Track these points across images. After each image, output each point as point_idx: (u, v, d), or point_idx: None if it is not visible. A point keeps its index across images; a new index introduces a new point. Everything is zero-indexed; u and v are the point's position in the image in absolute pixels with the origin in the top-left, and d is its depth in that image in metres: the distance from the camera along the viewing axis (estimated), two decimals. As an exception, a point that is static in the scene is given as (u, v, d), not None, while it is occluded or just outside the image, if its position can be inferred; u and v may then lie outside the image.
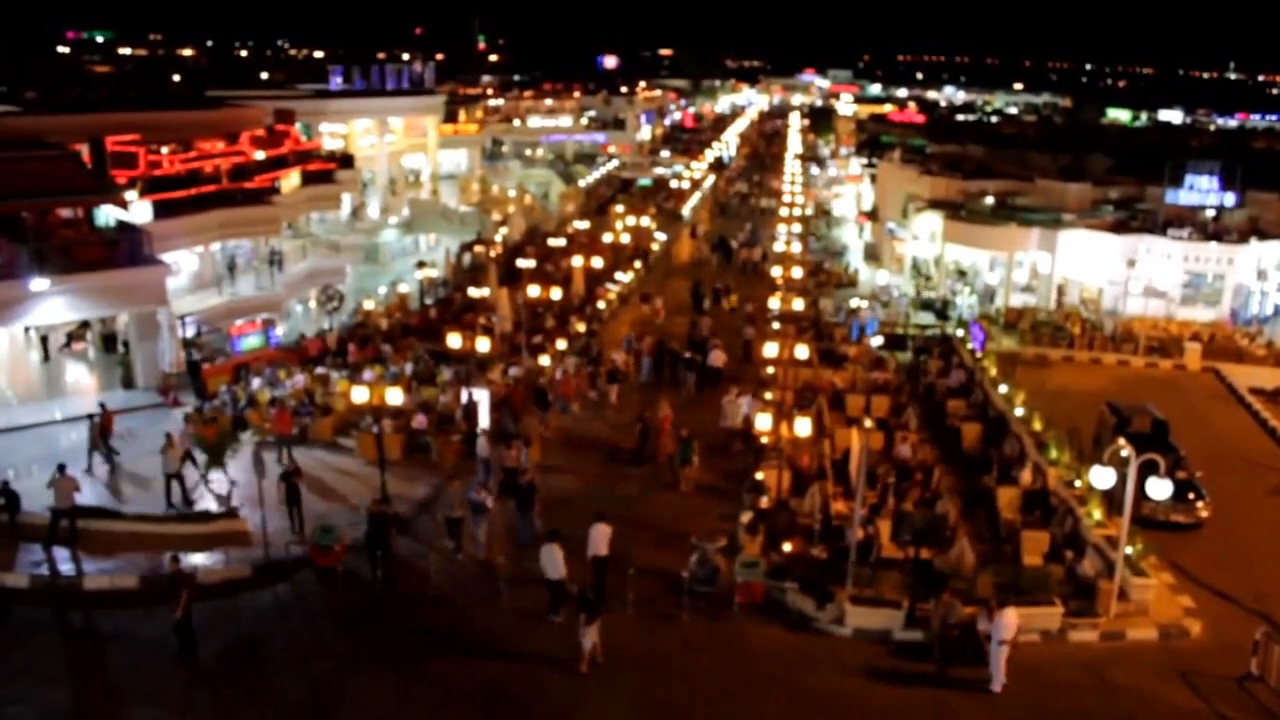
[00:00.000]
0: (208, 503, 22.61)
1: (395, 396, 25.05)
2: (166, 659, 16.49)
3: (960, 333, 35.39)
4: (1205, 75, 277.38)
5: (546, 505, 21.31)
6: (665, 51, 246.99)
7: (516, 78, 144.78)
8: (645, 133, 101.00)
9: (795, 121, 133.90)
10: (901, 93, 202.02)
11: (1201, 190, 41.13)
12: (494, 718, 15.57)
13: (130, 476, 23.63)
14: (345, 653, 17.09)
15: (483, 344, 29.24)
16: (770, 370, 29.08)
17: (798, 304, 35.01)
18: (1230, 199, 41.27)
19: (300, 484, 21.16)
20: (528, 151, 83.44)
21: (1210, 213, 41.53)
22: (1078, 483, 22.15)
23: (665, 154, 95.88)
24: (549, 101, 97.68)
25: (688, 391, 30.61)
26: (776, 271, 40.11)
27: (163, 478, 22.19)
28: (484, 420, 25.80)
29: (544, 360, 30.74)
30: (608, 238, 48.06)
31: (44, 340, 31.82)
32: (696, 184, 73.26)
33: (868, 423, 23.26)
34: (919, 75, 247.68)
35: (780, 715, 15.80)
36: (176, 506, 22.00)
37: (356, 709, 15.59)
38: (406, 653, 17.05)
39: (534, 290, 33.44)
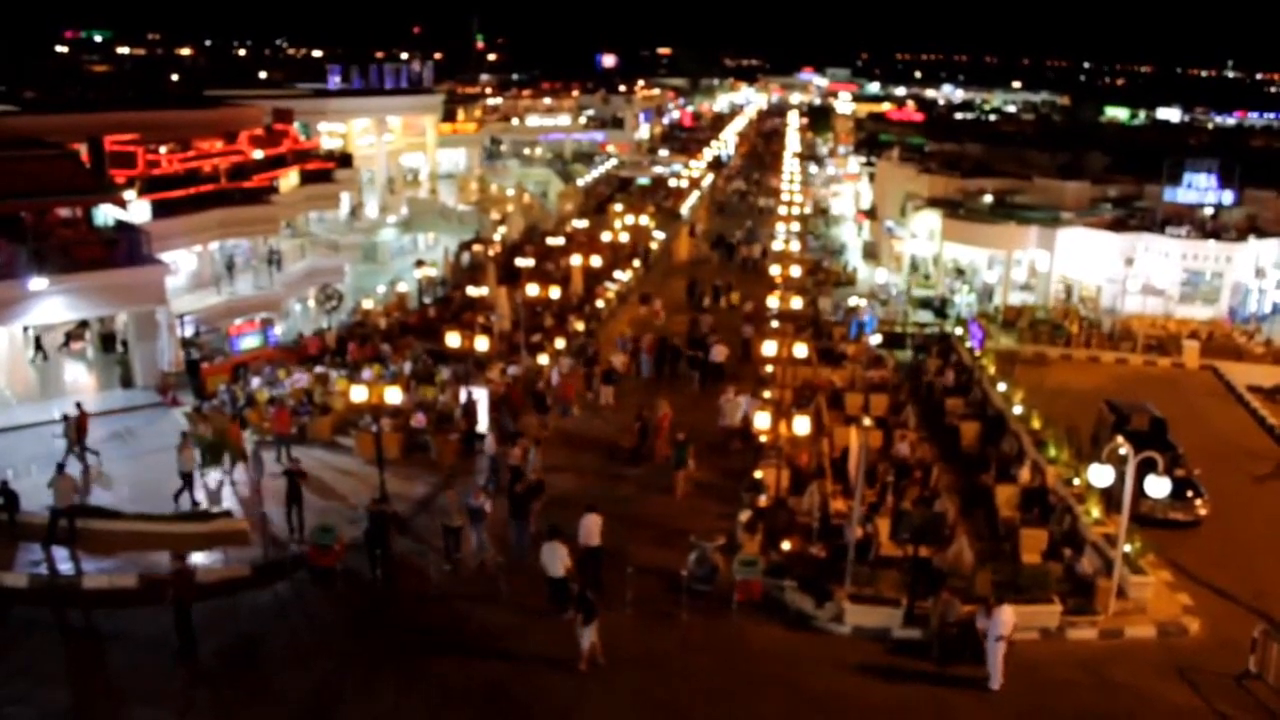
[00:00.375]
0: (228, 502, 22.53)
1: (394, 395, 25.01)
2: (166, 659, 16.50)
3: (959, 331, 35.42)
4: (1203, 73, 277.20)
5: (545, 504, 21.30)
6: (664, 50, 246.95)
7: (515, 77, 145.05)
8: (644, 131, 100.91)
9: (794, 120, 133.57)
10: (900, 91, 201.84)
11: (1199, 188, 41.18)
12: (494, 717, 15.59)
13: (122, 477, 23.47)
14: (345, 652, 17.10)
15: (481, 343, 29.27)
16: (769, 369, 29.09)
17: (796, 303, 34.98)
18: (1228, 197, 41.34)
19: (303, 483, 21.12)
20: (526, 150, 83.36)
21: (1208, 211, 41.60)
22: (1076, 481, 22.17)
23: (664, 153, 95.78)
24: (547, 100, 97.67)
25: (692, 389, 30.63)
26: (775, 270, 40.12)
27: (178, 476, 22.02)
28: (483, 419, 25.81)
29: (542, 359, 30.76)
30: (606, 236, 48.12)
31: (38, 340, 31.73)
32: (695, 183, 73.23)
33: (866, 421, 23.20)
34: (917, 74, 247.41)
35: (779, 714, 15.82)
36: (179, 505, 21.95)
37: (356, 708, 15.60)
38: (406, 652, 17.05)
39: (533, 289, 33.41)
